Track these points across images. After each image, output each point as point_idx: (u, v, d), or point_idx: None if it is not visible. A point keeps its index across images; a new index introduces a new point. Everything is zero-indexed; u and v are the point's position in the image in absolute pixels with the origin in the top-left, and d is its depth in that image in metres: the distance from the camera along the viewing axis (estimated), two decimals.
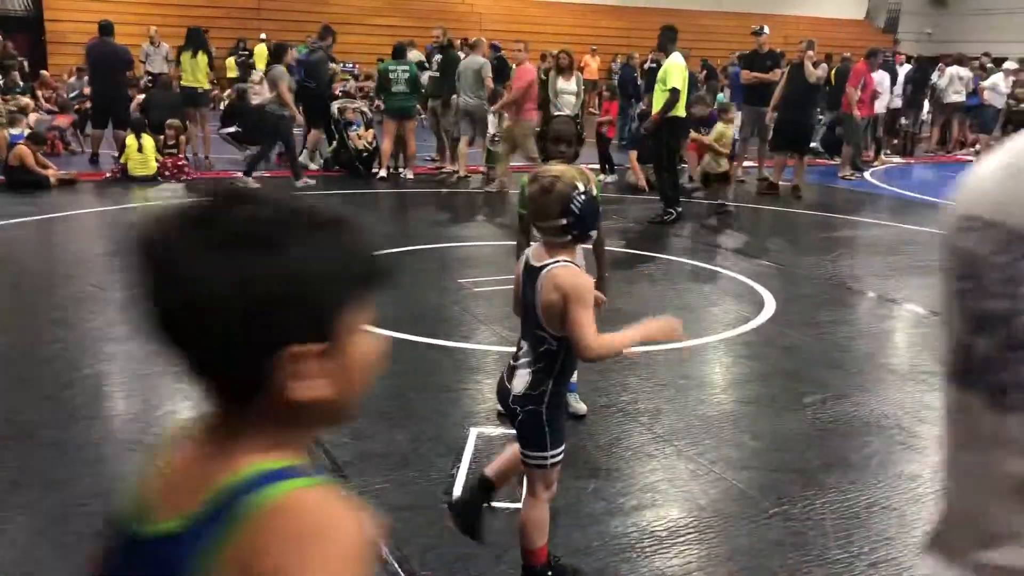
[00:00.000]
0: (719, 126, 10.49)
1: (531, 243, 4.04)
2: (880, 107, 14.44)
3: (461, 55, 12.06)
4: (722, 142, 10.19)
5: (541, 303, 2.42)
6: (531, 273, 2.49)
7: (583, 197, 2.42)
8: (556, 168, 2.53)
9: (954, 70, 16.24)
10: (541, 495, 2.60)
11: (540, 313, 2.43)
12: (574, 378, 4.17)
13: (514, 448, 2.70)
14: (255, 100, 10.43)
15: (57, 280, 6.26)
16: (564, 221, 2.41)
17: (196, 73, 11.86)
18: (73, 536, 2.98)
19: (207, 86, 12.03)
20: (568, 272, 2.42)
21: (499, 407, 2.81)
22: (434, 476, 3.48)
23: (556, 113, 4.23)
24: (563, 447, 2.57)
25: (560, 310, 2.38)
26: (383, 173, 11.51)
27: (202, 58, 11.91)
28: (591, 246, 4.06)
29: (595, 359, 2.46)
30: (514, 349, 2.64)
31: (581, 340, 2.36)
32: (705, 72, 16.88)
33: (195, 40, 11.98)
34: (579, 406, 4.14)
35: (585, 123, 12.17)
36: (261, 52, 17.69)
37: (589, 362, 2.47)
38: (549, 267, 2.43)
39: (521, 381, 2.50)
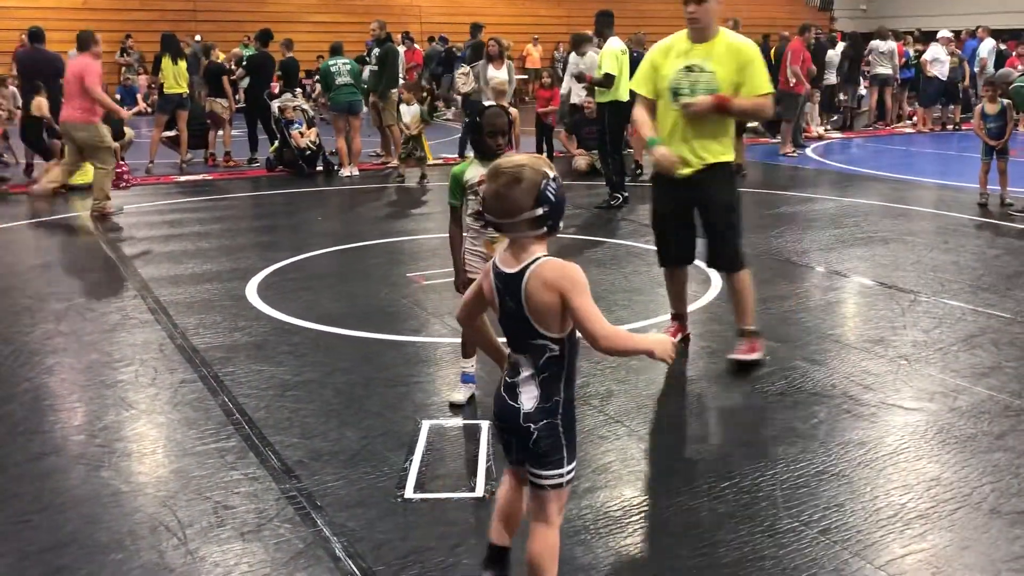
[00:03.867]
0: None
1: (464, 233, 4.03)
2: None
3: (402, 48, 12.05)
4: None
5: (533, 308, 2.25)
6: (508, 281, 2.29)
7: (555, 184, 2.26)
8: (519, 157, 2.32)
9: (875, 44, 16.51)
10: (556, 519, 2.40)
11: (534, 319, 2.26)
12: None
13: (505, 493, 2.55)
14: (464, 89, 11.57)
15: None
16: (540, 211, 2.23)
17: (179, 79, 11.82)
18: (14, 555, 2.90)
19: (187, 90, 11.96)
20: (555, 266, 2.25)
21: (497, 435, 2.58)
22: (387, 471, 3.45)
23: (487, 103, 3.99)
24: (576, 460, 2.41)
25: (559, 308, 2.24)
26: (347, 172, 11.43)
27: (181, 64, 11.86)
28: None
29: (607, 350, 2.24)
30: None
31: (593, 330, 2.21)
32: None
33: (172, 46, 11.90)
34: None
35: (523, 112, 12.21)
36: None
37: (602, 352, 2.27)
38: (531, 267, 2.25)
39: (530, 396, 2.31)
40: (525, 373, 2.33)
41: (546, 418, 2.31)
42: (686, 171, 4.48)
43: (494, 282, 2.35)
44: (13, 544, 2.96)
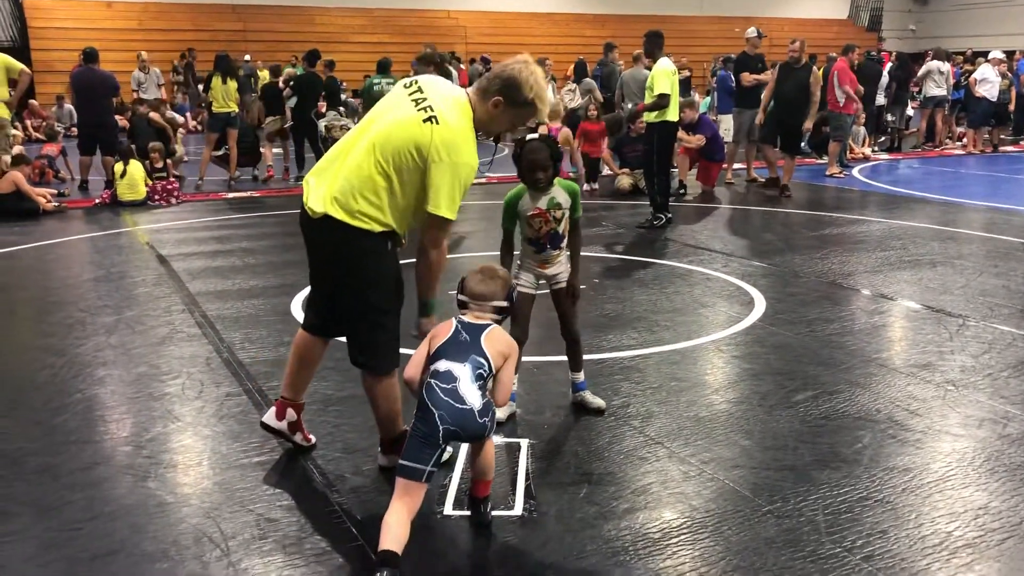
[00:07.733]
0: None
1: (516, 252, 4.09)
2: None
3: (453, 70, 12.17)
4: None
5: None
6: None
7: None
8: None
9: (935, 64, 16.28)
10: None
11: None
12: (582, 376, 4.29)
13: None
14: (571, 105, 12.27)
15: (46, 306, 6.25)
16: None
17: (228, 99, 12.13)
18: (65, 562, 2.97)
19: (237, 109, 12.25)
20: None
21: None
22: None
23: (530, 136, 3.95)
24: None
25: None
26: None
27: (231, 84, 12.13)
28: (568, 246, 4.07)
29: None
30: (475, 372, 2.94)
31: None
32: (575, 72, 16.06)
33: (224, 66, 12.21)
34: (597, 401, 4.26)
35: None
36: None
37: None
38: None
39: (479, 396, 2.88)
40: (476, 379, 2.92)
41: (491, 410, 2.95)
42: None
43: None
44: (65, 551, 3.03)
